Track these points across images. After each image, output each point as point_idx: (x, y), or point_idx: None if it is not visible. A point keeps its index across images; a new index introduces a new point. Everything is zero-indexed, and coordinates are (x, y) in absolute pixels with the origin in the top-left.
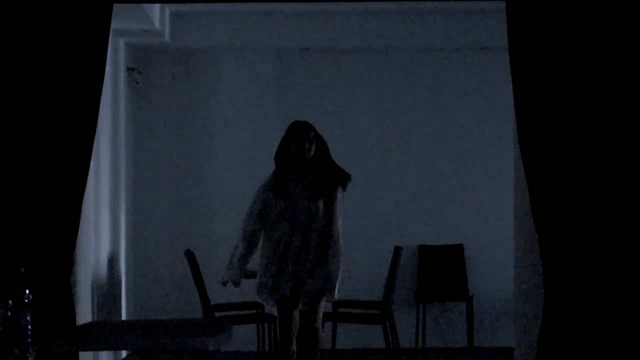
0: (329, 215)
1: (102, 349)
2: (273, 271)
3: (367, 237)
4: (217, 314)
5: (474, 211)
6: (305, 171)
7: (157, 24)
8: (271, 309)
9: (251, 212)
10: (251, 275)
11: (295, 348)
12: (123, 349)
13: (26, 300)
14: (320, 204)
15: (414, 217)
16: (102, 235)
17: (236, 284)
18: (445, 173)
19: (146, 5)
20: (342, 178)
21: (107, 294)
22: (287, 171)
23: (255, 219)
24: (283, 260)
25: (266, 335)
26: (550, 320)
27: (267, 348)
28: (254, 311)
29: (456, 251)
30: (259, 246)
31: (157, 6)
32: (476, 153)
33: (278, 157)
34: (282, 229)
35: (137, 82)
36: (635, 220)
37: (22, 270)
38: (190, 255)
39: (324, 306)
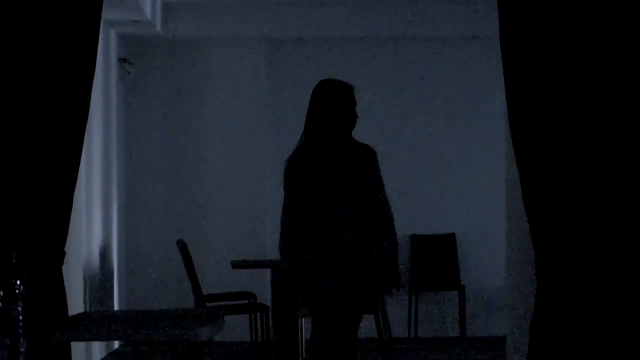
0: (372, 190)
1: (94, 340)
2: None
3: None
4: (209, 304)
5: (466, 201)
6: (340, 142)
7: (148, 15)
8: (264, 299)
9: (290, 207)
10: (244, 265)
11: None
12: (115, 340)
13: (17, 291)
14: (359, 179)
15: (406, 206)
16: (94, 226)
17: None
18: (437, 163)
19: None
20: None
21: (99, 284)
22: (323, 145)
23: (299, 213)
24: (332, 253)
25: (258, 324)
26: (543, 310)
27: (259, 338)
28: (246, 301)
29: (448, 241)
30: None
31: None
32: (468, 143)
33: (316, 127)
34: (324, 216)
35: (129, 73)
36: (627, 209)
37: (14, 260)
38: (182, 246)
39: None
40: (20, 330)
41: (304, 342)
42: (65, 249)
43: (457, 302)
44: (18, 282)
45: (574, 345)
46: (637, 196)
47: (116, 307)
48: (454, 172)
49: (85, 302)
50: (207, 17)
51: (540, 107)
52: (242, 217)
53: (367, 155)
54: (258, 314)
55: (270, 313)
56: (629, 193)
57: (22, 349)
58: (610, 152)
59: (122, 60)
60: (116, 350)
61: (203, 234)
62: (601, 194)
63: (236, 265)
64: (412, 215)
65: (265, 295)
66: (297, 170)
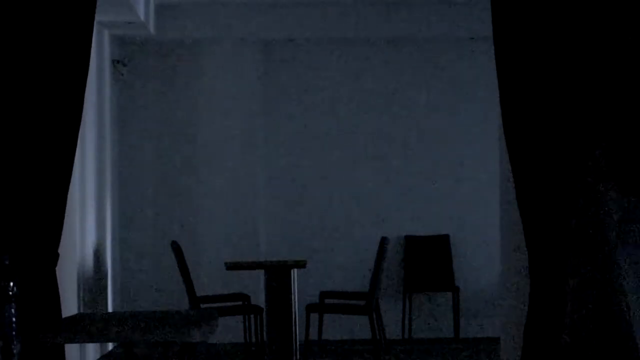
0: None
1: (88, 341)
2: None
3: (353, 228)
4: (203, 306)
5: (460, 202)
6: None
7: (141, 16)
8: (257, 300)
9: None
10: (237, 266)
11: None
12: (109, 341)
13: (10, 293)
14: None
15: (400, 207)
16: (87, 227)
17: None
18: (431, 164)
19: None
20: None
21: (93, 286)
22: None
23: None
24: None
25: (252, 326)
26: (536, 310)
27: (253, 339)
28: (240, 302)
29: (442, 242)
30: None
31: None
32: (462, 144)
33: None
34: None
35: (122, 75)
36: (620, 210)
37: (7, 262)
38: (176, 247)
39: None
40: (14, 332)
41: (298, 343)
42: (59, 251)
43: (451, 303)
44: (11, 284)
45: (567, 346)
46: (630, 198)
47: (110, 309)
48: (448, 173)
49: (79, 304)
50: (200, 18)
51: (533, 108)
52: (235, 219)
53: None
54: (252, 315)
55: (264, 314)
56: (622, 195)
57: (15, 351)
58: (605, 154)
59: (115, 62)
60: (110, 351)
61: (197, 235)
62: (595, 195)
63: (230, 266)
64: (406, 216)
65: (259, 297)
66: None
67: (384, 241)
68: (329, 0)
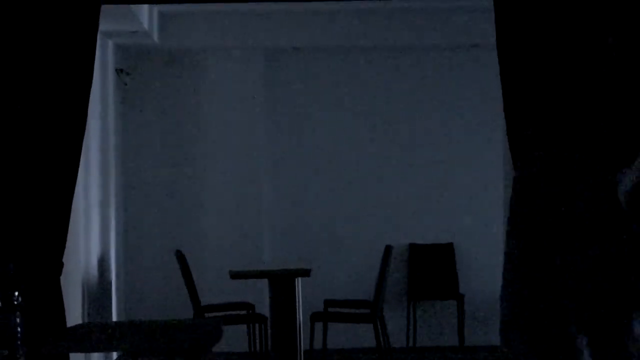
0: None
1: (92, 351)
2: None
3: (357, 236)
4: (207, 315)
5: (464, 210)
6: None
7: (145, 25)
8: (262, 309)
9: None
10: (242, 275)
11: None
12: (114, 351)
13: (15, 302)
14: None
15: (404, 216)
16: (92, 236)
17: None
18: (435, 172)
19: (134, 6)
20: None
21: (97, 295)
22: None
23: None
24: None
25: (256, 335)
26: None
27: (258, 348)
28: (245, 311)
29: (446, 250)
30: None
31: (145, 7)
32: (466, 152)
33: None
34: None
35: (126, 84)
36: (623, 218)
37: (12, 271)
38: (180, 256)
39: None
40: (19, 342)
41: (302, 352)
42: (63, 260)
43: (455, 312)
44: (16, 293)
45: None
46: (634, 204)
47: (114, 318)
48: (452, 181)
49: (83, 313)
50: (204, 27)
51: (537, 116)
52: (240, 228)
53: None
54: (256, 324)
55: (268, 323)
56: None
57: None
58: (608, 160)
59: (119, 71)
60: None
61: (201, 244)
62: (598, 203)
63: (234, 275)
64: (410, 224)
65: (263, 306)
66: None
67: (388, 249)
68: (332, 9)
